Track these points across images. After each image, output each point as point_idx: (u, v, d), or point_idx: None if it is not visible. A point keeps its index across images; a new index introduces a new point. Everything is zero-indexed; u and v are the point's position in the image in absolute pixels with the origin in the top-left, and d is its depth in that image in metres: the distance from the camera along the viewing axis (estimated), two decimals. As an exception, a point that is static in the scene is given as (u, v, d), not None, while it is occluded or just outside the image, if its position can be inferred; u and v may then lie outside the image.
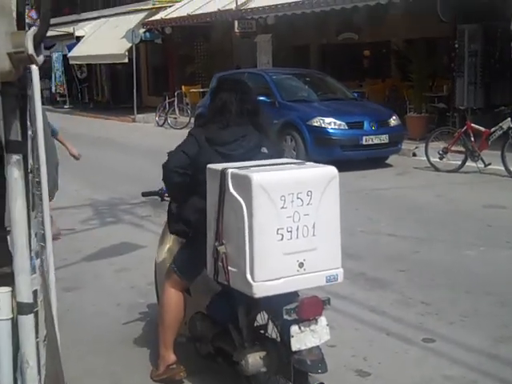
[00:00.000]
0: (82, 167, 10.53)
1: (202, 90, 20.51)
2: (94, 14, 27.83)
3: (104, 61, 25.11)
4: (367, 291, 5.44)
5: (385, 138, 11.84)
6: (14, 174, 1.96)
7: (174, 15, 21.74)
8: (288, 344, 3.11)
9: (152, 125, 20.50)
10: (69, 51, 26.43)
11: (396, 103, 15.58)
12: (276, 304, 3.14)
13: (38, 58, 1.88)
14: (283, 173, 3.14)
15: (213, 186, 3.21)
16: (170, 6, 23.09)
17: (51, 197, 5.14)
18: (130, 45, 21.75)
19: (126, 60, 22.55)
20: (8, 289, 2.05)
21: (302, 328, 3.10)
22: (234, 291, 3.21)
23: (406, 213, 8.23)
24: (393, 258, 6.31)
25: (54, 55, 27.24)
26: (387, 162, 12.17)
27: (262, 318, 3.59)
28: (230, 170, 3.11)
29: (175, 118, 19.89)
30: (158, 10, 23.30)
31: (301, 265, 3.09)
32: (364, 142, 11.68)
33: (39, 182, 2.61)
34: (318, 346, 3.15)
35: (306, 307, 3.10)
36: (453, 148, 11.04)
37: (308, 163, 3.40)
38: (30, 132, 2.20)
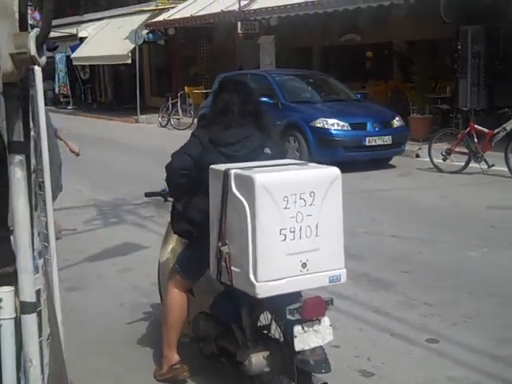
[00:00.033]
0: (85, 167, 10.59)
1: (204, 90, 20.50)
2: (97, 15, 27.86)
3: (107, 62, 25.13)
4: (370, 292, 5.44)
5: (388, 139, 11.82)
6: (17, 175, 1.97)
7: (177, 16, 21.75)
8: (291, 344, 3.11)
9: (155, 125, 20.49)
10: (72, 52, 26.48)
11: (399, 104, 15.56)
12: (279, 304, 3.14)
13: (41, 59, 1.89)
14: (286, 173, 3.15)
15: (216, 187, 3.22)
16: (173, 7, 23.10)
17: (54, 198, 5.14)
18: (133, 46, 21.77)
19: (129, 61, 22.56)
20: (11, 288, 2.06)
21: (305, 328, 3.10)
22: (237, 291, 3.21)
23: (409, 214, 8.22)
24: (396, 259, 6.30)
25: (58, 56, 27.30)
26: (390, 163, 12.15)
27: (265, 318, 3.59)
28: (232, 171, 3.11)
29: (178, 119, 19.90)
30: (161, 11, 23.31)
31: (304, 265, 3.09)
32: (367, 143, 11.66)
33: (42, 183, 2.62)
34: (321, 346, 3.15)
35: (309, 307, 3.10)
36: (456, 149, 10.99)
37: (311, 164, 3.40)
38: (32, 133, 2.20)
